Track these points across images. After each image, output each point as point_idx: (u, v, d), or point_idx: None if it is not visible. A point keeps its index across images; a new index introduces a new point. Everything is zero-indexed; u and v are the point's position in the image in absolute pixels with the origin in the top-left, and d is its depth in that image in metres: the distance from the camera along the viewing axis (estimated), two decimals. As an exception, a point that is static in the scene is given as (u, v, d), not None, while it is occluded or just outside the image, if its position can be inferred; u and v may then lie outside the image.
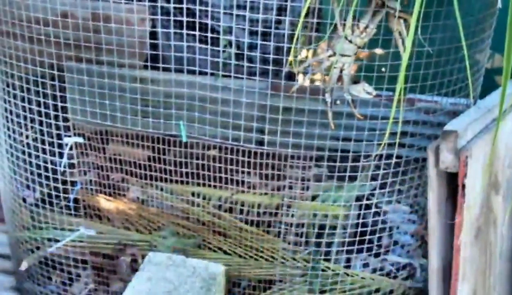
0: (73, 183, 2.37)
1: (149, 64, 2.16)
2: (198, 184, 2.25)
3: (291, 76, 2.26)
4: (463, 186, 1.70)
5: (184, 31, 2.12)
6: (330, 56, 1.86)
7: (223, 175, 2.21)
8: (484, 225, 1.89)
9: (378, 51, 2.00)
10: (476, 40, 2.07)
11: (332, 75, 1.86)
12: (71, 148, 2.28)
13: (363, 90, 1.84)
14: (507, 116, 1.96)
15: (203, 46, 2.14)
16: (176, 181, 2.26)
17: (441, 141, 1.72)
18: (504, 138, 1.94)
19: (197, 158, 2.25)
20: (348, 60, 1.83)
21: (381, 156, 2.21)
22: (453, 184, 1.76)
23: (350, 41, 1.81)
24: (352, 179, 2.23)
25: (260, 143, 2.19)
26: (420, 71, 2.05)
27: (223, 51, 2.29)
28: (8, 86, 2.33)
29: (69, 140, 2.27)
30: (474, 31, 2.01)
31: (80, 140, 2.27)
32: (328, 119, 1.92)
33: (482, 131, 1.85)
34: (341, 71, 1.85)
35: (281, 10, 2.22)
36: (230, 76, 2.12)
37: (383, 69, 2.01)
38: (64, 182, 2.34)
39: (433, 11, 1.98)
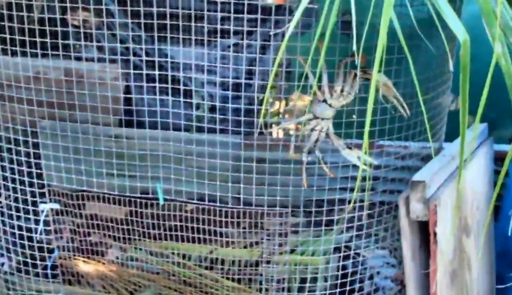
0: (51, 250, 2.50)
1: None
2: (177, 241, 2.40)
3: (265, 127, 2.47)
4: (435, 233, 1.90)
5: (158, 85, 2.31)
6: (310, 119, 2.05)
7: (201, 231, 2.38)
8: (459, 268, 2.09)
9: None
10: (437, 83, 2.31)
11: (311, 136, 2.04)
12: (47, 215, 2.42)
13: (357, 157, 2.02)
14: (470, 164, 2.18)
15: (176, 98, 2.31)
16: (155, 239, 2.42)
17: (410, 192, 1.92)
18: (470, 183, 2.16)
19: (174, 216, 2.41)
20: (327, 123, 2.03)
21: (355, 202, 2.41)
22: (425, 232, 1.96)
23: (330, 105, 2.01)
24: (329, 227, 2.41)
25: (237, 199, 2.36)
26: (386, 116, 2.27)
27: (197, 107, 2.50)
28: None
29: (45, 207, 2.41)
30: (435, 75, 2.25)
31: (56, 206, 2.41)
32: (302, 177, 2.10)
33: (448, 179, 2.06)
34: (319, 132, 2.04)
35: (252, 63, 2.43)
36: (203, 131, 2.30)
37: (354, 116, 2.22)
38: (41, 249, 2.47)
39: (394, 63, 2.21)
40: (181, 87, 2.28)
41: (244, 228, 2.47)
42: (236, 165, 2.28)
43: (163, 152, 2.30)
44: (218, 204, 2.30)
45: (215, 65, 2.28)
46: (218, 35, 2.20)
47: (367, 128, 1.56)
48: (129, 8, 2.15)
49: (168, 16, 2.16)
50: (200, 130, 2.36)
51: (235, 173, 2.28)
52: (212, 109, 2.42)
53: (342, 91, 2.00)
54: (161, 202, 2.30)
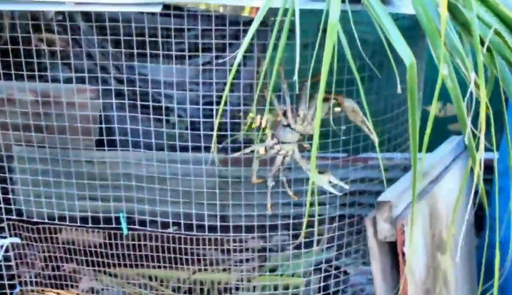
0: (12, 286, 2.47)
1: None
2: (154, 267, 2.43)
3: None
4: (403, 253, 1.90)
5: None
6: (275, 144, 2.06)
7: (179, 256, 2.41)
8: (433, 286, 2.09)
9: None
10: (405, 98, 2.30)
11: (275, 162, 2.06)
12: (7, 250, 2.41)
13: (328, 182, 2.03)
14: (445, 178, 2.17)
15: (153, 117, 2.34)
16: (131, 266, 2.45)
17: (377, 212, 1.92)
18: (445, 198, 2.15)
19: (150, 240, 2.43)
20: (291, 147, 2.04)
21: (338, 217, 2.43)
22: (396, 252, 1.96)
23: (294, 129, 2.02)
24: (309, 245, 2.42)
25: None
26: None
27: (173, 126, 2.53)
28: None
29: (4, 242, 2.41)
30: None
31: (16, 240, 2.43)
32: (267, 202, 2.12)
33: (419, 195, 2.05)
34: (284, 157, 2.06)
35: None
36: (181, 150, 2.33)
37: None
38: (2, 286, 2.45)
39: (366, 81, 2.22)
40: (150, 103, 2.29)
41: (222, 251, 2.50)
42: (214, 184, 2.29)
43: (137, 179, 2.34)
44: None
45: (195, 82, 2.32)
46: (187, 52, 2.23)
47: (314, 151, 1.57)
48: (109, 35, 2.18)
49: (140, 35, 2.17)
50: (181, 149, 2.38)
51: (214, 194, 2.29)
52: (191, 127, 2.45)
53: (305, 115, 2.01)
54: (125, 231, 2.32)
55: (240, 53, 1.67)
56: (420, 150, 1.64)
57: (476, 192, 2.47)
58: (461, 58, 1.51)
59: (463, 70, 1.52)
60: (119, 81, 2.37)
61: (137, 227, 2.37)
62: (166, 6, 2.09)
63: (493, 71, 1.60)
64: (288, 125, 2.02)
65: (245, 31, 2.05)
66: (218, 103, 2.34)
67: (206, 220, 2.31)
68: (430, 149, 2.55)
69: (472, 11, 1.51)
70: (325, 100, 2.03)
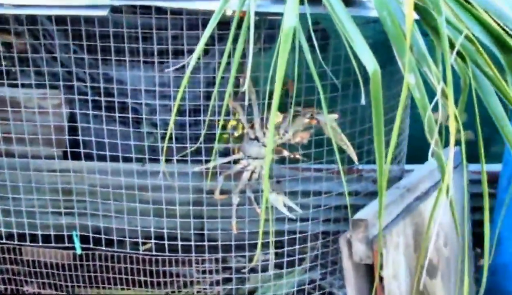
0: None
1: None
2: (123, 288, 2.47)
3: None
4: (381, 278, 1.92)
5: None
6: (241, 159, 2.10)
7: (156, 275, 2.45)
8: (420, 314, 2.10)
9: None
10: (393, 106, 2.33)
11: (242, 177, 2.09)
12: None
13: (283, 204, 2.07)
14: (434, 193, 2.18)
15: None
16: (103, 287, 2.50)
17: (352, 231, 1.95)
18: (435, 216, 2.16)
19: (125, 260, 2.48)
20: (259, 163, 2.07)
21: (321, 234, 2.46)
22: (374, 275, 1.98)
23: (263, 144, 2.05)
24: (297, 263, 2.45)
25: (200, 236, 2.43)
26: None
27: (149, 134, 2.57)
28: None
29: None
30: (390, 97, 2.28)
31: None
32: (232, 221, 2.15)
33: (401, 214, 2.07)
34: (252, 173, 2.09)
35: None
36: (158, 161, 2.37)
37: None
38: None
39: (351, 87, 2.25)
40: (116, 114, 2.34)
41: (197, 271, 2.54)
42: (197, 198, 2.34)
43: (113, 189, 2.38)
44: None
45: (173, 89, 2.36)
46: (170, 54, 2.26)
47: (267, 171, 1.60)
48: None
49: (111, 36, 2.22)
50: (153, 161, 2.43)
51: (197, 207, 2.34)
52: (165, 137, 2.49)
53: (278, 127, 2.04)
54: (78, 251, 2.37)
55: (195, 55, 1.70)
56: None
57: (474, 209, 2.50)
58: (428, 65, 1.52)
59: (431, 79, 1.53)
60: (89, 88, 2.42)
61: (102, 248, 2.41)
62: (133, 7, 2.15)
63: (466, 80, 1.61)
64: (256, 139, 2.05)
65: (222, 35, 2.12)
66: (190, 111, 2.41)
67: (179, 239, 2.35)
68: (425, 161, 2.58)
69: (441, 14, 1.52)
70: (299, 114, 2.07)
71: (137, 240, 2.43)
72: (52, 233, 2.43)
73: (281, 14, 1.61)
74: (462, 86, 1.64)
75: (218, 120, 2.07)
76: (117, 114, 2.37)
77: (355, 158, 2.07)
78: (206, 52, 2.44)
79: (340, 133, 2.06)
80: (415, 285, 2.01)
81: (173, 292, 2.54)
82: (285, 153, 2.27)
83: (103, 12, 1.89)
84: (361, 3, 1.80)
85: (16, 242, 2.43)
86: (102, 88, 2.33)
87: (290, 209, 2.16)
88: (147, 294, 2.51)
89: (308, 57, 1.62)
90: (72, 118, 2.50)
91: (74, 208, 2.43)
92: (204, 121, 2.32)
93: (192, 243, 2.36)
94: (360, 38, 1.57)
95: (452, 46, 1.55)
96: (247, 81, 1.97)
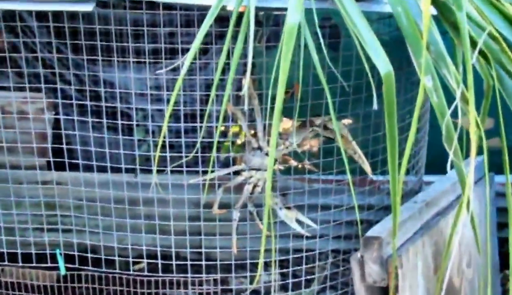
0: None
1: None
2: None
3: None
4: (396, 302, 1.90)
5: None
6: (243, 170, 2.09)
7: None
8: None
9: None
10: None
11: (243, 191, 2.07)
12: None
13: (295, 220, 2.06)
14: (456, 208, 2.16)
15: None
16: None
17: (364, 250, 1.93)
18: (457, 235, 2.13)
19: (114, 281, 2.47)
20: (263, 175, 2.05)
21: (337, 253, 2.44)
22: (390, 298, 1.96)
23: (266, 154, 2.04)
24: (303, 284, 2.43)
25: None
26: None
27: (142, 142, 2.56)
28: None
29: None
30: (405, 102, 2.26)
31: None
32: (232, 238, 2.14)
33: (419, 232, 2.05)
34: (254, 186, 2.08)
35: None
36: (151, 171, 2.35)
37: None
38: None
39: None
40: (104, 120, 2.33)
41: (201, 293, 2.53)
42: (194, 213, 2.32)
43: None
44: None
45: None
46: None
47: (269, 186, 1.58)
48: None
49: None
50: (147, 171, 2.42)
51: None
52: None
53: (281, 137, 2.02)
54: (63, 271, 2.36)
55: (190, 54, 1.69)
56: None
57: (501, 225, 2.47)
58: (447, 66, 1.51)
59: (451, 81, 1.52)
60: (75, 90, 2.41)
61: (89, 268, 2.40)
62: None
63: (489, 82, 1.59)
64: (259, 148, 2.03)
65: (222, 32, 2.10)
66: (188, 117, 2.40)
67: (174, 258, 2.33)
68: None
69: (462, 9, 1.51)
70: (304, 124, 2.06)
71: (128, 259, 2.42)
72: (33, 251, 2.42)
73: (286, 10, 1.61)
74: (484, 89, 1.62)
75: (217, 127, 2.08)
76: (106, 120, 2.36)
77: (368, 168, 2.05)
78: (205, 51, 2.43)
79: (351, 141, 2.04)
80: (434, 310, 1.99)
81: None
82: (292, 162, 2.26)
83: (89, 8, 1.88)
84: (369, -2, 1.79)
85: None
86: (90, 91, 2.32)
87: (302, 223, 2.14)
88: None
89: (315, 56, 1.61)
90: (56, 124, 2.49)
91: (58, 224, 2.42)
92: (202, 127, 2.33)
93: (188, 262, 2.35)
94: (372, 36, 1.56)
95: (474, 44, 1.54)
96: (247, 83, 1.97)
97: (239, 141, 2.90)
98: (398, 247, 1.98)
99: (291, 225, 2.08)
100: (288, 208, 2.07)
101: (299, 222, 2.15)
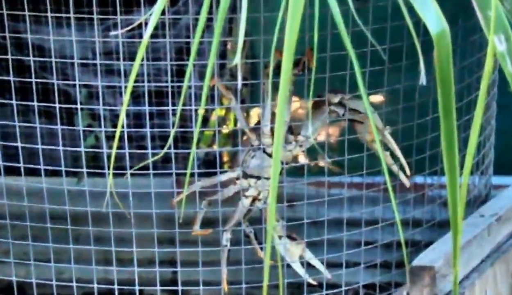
0: None
1: None
2: None
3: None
4: None
5: None
6: (237, 178, 2.09)
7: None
8: None
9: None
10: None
11: (238, 205, 2.09)
12: None
13: (299, 254, 2.11)
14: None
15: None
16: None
17: (411, 285, 1.94)
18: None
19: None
20: (266, 184, 2.05)
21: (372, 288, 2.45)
22: None
23: (270, 155, 2.04)
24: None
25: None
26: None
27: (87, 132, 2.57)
28: None
29: None
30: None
31: None
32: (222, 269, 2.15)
33: (489, 257, 2.06)
34: (253, 200, 2.08)
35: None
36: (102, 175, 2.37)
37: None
38: None
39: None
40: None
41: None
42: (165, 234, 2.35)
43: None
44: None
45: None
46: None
47: (273, 204, 1.58)
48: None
49: None
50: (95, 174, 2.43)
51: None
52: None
53: (292, 132, 2.02)
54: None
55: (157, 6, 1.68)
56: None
57: None
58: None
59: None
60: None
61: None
62: None
63: None
64: (263, 150, 2.04)
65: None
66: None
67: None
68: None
69: None
70: (320, 104, 2.05)
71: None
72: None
73: None
74: None
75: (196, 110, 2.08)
76: (36, 102, 2.36)
77: (406, 167, 2.06)
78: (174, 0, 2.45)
79: (393, 143, 2.05)
80: None
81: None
82: (303, 159, 2.27)
83: None
84: None
85: None
86: (12, 60, 2.31)
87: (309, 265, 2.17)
88: None
89: (336, 8, 1.60)
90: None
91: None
92: (174, 111, 2.34)
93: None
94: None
95: None
96: (240, 48, 1.97)
97: (225, 130, 2.92)
98: (460, 280, 1.99)
99: (291, 264, 2.11)
100: (292, 238, 2.08)
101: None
